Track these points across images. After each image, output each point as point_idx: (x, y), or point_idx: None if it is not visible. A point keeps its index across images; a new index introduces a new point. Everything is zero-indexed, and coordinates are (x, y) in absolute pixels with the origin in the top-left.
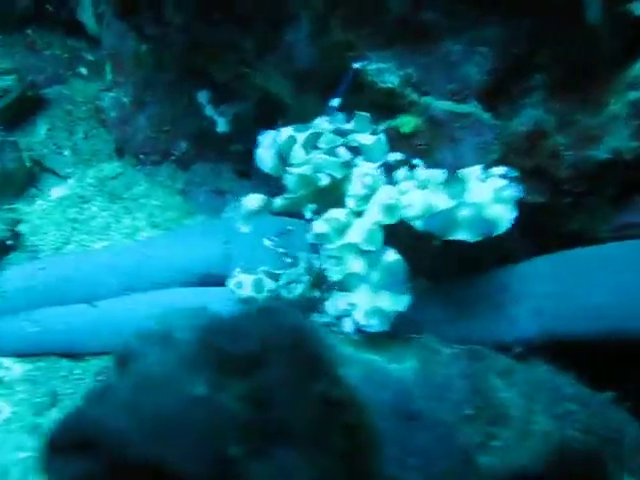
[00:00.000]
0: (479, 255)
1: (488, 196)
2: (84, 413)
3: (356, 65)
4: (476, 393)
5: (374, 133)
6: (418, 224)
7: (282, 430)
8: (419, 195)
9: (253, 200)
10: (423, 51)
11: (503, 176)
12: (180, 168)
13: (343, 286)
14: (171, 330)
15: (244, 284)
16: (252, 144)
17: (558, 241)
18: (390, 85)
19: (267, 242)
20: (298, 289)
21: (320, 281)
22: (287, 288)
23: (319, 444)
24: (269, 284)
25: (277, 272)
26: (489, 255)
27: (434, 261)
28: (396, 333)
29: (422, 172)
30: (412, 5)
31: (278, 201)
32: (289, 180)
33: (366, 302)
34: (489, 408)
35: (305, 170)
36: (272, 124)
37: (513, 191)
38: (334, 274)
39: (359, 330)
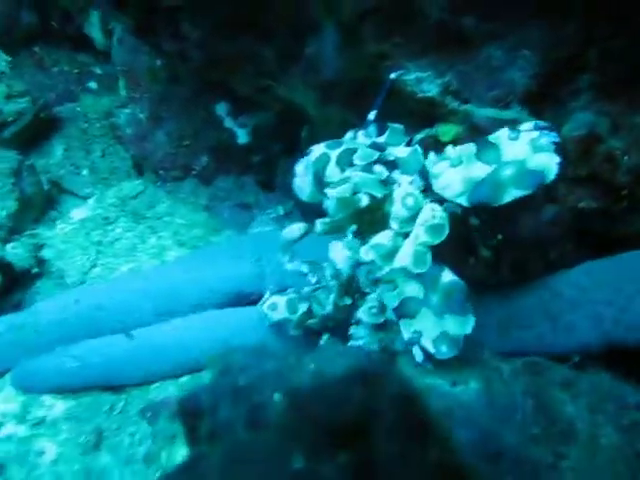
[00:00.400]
0: (529, 260)
1: (526, 149)
2: None
3: (393, 75)
4: (541, 410)
5: (409, 144)
6: (463, 200)
7: None
8: (454, 172)
9: (295, 230)
10: (463, 58)
11: (534, 128)
12: (202, 183)
13: (403, 312)
14: (236, 378)
15: (278, 306)
16: (274, 154)
17: (615, 246)
18: (430, 94)
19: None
20: (329, 302)
21: (350, 288)
22: (318, 304)
23: None
24: (303, 305)
25: (308, 290)
26: (540, 260)
27: (485, 270)
28: None
29: (451, 150)
30: (450, 10)
31: (319, 226)
32: (328, 204)
33: (431, 328)
34: (555, 425)
35: (343, 191)
36: (294, 134)
37: (549, 138)
38: (391, 300)
39: (428, 358)
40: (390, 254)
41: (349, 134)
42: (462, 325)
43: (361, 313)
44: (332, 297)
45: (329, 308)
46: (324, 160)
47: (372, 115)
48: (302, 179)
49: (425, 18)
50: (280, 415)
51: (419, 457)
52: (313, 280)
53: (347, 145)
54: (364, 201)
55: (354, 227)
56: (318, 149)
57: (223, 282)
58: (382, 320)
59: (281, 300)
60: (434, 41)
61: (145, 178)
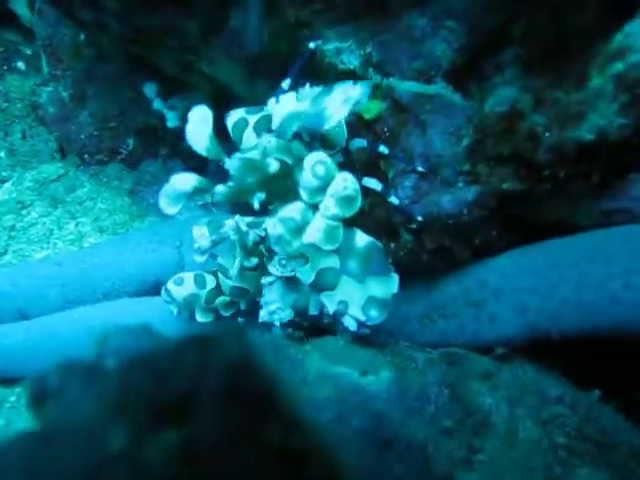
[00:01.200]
0: (452, 247)
1: None
2: None
3: (312, 44)
4: (455, 401)
5: None
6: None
7: None
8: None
9: (183, 180)
10: (384, 27)
11: None
12: (128, 167)
13: (322, 285)
14: (100, 359)
15: (184, 281)
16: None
17: (539, 231)
18: (350, 66)
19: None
20: (234, 267)
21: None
22: (225, 275)
23: None
24: (211, 280)
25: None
26: (463, 246)
27: (405, 256)
28: (369, 340)
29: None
30: None
31: (220, 188)
32: (233, 166)
33: (356, 295)
34: (470, 417)
35: (252, 155)
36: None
37: None
38: (306, 274)
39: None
40: (300, 229)
41: (271, 101)
42: (387, 285)
43: (271, 267)
44: (237, 261)
45: (234, 273)
46: (242, 126)
47: (286, 84)
48: (198, 128)
49: None
50: (105, 387)
51: (253, 436)
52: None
53: (267, 112)
54: (273, 166)
55: (262, 195)
56: (236, 113)
57: (140, 269)
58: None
59: (188, 275)
60: (355, 7)
61: (67, 161)
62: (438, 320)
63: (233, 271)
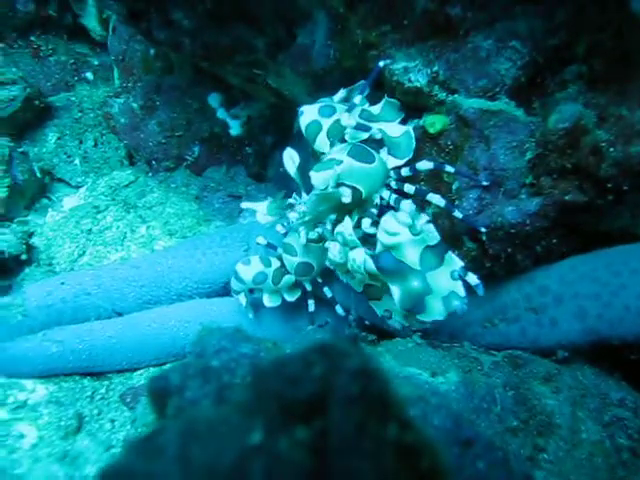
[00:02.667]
0: (514, 255)
1: None
2: (130, 469)
3: (381, 63)
4: (520, 403)
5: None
6: None
7: None
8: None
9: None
10: (451, 47)
11: None
12: (194, 173)
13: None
14: (205, 359)
15: (251, 261)
16: (266, 146)
17: (599, 240)
18: (417, 84)
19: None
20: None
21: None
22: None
23: None
24: (276, 261)
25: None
26: (525, 254)
27: (468, 263)
28: (437, 342)
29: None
30: None
31: (294, 217)
32: (310, 200)
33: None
34: (534, 418)
35: (326, 191)
36: (286, 127)
37: None
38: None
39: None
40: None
41: (341, 93)
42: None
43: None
44: (303, 232)
45: (301, 245)
46: (315, 128)
47: (358, 99)
48: (289, 161)
49: (412, 7)
50: (242, 392)
51: (376, 432)
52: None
53: (338, 115)
54: (346, 197)
55: (333, 217)
56: (309, 113)
57: (211, 272)
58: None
59: (254, 256)
60: (422, 30)
61: (137, 168)
62: (499, 324)
63: (300, 242)
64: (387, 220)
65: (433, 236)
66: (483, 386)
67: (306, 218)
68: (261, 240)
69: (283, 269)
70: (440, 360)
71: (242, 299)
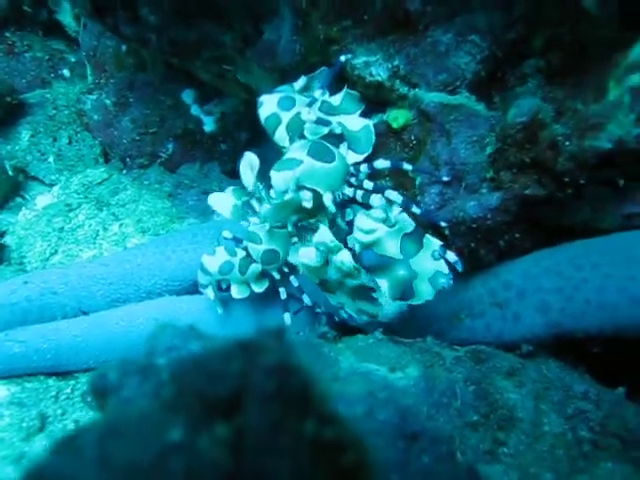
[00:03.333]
0: (478, 250)
1: None
2: (49, 467)
3: (342, 58)
4: (482, 398)
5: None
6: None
7: (267, 479)
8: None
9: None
10: (411, 42)
11: None
12: (168, 170)
13: None
14: (153, 357)
15: (217, 252)
16: (240, 143)
17: (561, 234)
18: (378, 78)
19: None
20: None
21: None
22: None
23: None
24: (241, 251)
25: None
26: (489, 249)
27: None
28: (398, 338)
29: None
30: None
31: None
32: (266, 212)
33: None
34: (496, 412)
35: (286, 197)
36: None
37: None
38: None
39: None
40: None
41: (301, 81)
42: None
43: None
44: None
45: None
46: (274, 122)
47: (318, 93)
48: (246, 171)
49: (372, 3)
50: (164, 385)
51: (292, 429)
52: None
53: (298, 108)
54: (307, 202)
55: (295, 218)
56: (269, 105)
57: (180, 269)
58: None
59: (219, 247)
60: (382, 25)
61: (111, 165)
62: (465, 319)
63: (264, 229)
64: (361, 219)
65: (408, 224)
66: (444, 381)
67: (267, 226)
68: (227, 234)
69: (249, 258)
70: (400, 355)
71: (210, 293)
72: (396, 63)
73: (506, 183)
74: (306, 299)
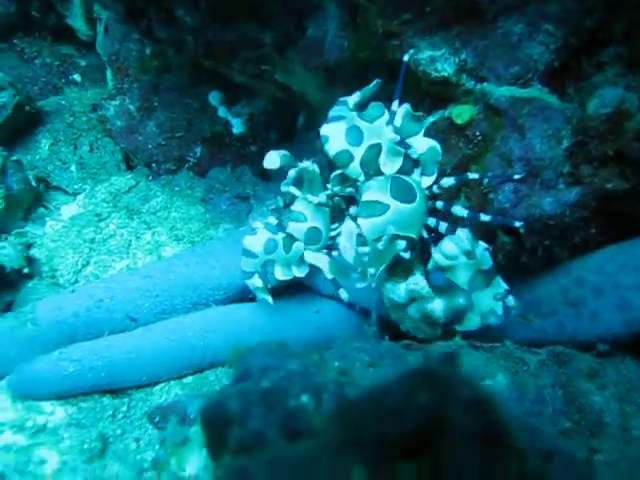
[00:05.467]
0: (552, 248)
1: None
2: None
3: (406, 57)
4: (571, 403)
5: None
6: None
7: None
8: None
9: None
10: (478, 34)
11: None
12: (197, 175)
13: None
14: (253, 379)
15: (258, 230)
16: (270, 143)
17: (637, 228)
18: (444, 74)
19: None
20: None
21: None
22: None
23: None
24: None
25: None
26: (563, 246)
27: (503, 259)
28: (477, 344)
29: None
30: None
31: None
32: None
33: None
34: (585, 417)
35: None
36: (289, 122)
37: None
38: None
39: None
40: None
41: (356, 96)
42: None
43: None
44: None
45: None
46: (346, 158)
47: (395, 105)
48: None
49: None
50: (328, 425)
51: (500, 469)
52: None
53: (368, 140)
54: (406, 254)
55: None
56: (336, 139)
57: (227, 278)
58: None
59: (257, 225)
60: (447, 16)
61: (137, 172)
62: (534, 319)
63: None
64: (447, 244)
65: (487, 262)
66: (532, 387)
67: (315, 200)
68: (272, 220)
69: (292, 237)
70: (485, 362)
71: (257, 281)
72: (463, 57)
73: (586, 177)
74: (343, 294)
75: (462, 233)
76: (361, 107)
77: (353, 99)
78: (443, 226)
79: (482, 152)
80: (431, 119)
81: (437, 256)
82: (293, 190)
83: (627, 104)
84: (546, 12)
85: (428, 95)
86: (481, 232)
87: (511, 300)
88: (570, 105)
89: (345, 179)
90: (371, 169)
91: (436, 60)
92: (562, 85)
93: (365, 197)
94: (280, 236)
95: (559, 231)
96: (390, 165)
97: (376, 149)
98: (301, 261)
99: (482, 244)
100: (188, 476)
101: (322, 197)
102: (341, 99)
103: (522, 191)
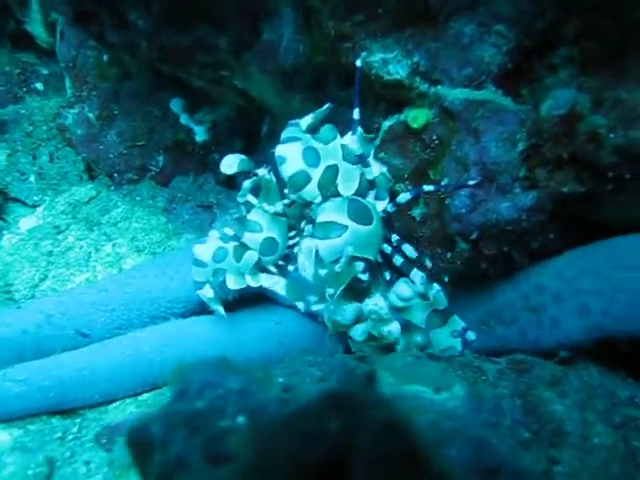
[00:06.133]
0: (511, 254)
1: None
2: None
3: (358, 62)
4: (530, 412)
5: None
6: None
7: None
8: None
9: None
10: (430, 35)
11: None
12: (160, 184)
13: None
14: (189, 399)
15: (209, 239)
16: (233, 151)
17: (598, 230)
18: (397, 77)
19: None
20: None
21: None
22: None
23: None
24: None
25: None
26: (521, 253)
27: (461, 265)
28: (435, 354)
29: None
30: None
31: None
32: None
33: None
34: (545, 427)
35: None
36: (253, 130)
37: None
38: None
39: None
40: None
41: (309, 118)
42: None
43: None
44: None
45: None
46: (303, 180)
47: (356, 113)
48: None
49: None
50: (245, 448)
51: None
52: None
53: (325, 161)
54: (364, 275)
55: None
56: (293, 161)
57: (185, 290)
58: None
59: (211, 233)
60: (399, 18)
61: (98, 182)
62: (496, 326)
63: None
64: (402, 286)
65: (442, 302)
66: (490, 398)
67: (271, 209)
68: (228, 231)
69: (244, 246)
70: (443, 373)
71: (207, 291)
72: (416, 59)
73: (541, 181)
74: (300, 305)
75: (417, 276)
76: (313, 130)
77: (306, 121)
78: (399, 260)
79: (439, 157)
80: (387, 123)
81: (392, 298)
82: (251, 198)
83: (579, 106)
84: (497, 13)
85: (383, 99)
86: (439, 239)
87: (471, 335)
88: (524, 107)
89: (299, 204)
90: (328, 191)
91: (388, 62)
92: (516, 87)
93: (321, 218)
94: (231, 244)
95: (516, 236)
96: (348, 186)
97: (333, 170)
98: (255, 270)
99: (436, 286)
100: None
101: (279, 206)
102: (292, 121)
103: (479, 196)
